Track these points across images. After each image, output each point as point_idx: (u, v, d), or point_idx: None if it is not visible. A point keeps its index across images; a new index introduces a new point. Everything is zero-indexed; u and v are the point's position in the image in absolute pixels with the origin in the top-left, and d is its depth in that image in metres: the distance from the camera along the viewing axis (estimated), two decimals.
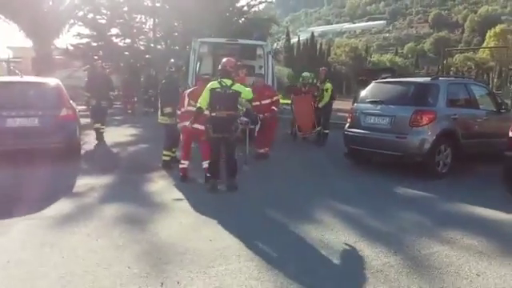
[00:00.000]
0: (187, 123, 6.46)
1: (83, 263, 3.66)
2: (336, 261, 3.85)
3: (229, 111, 5.96)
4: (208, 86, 6.00)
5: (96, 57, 11.07)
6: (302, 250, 4.10)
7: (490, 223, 4.93)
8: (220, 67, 6.21)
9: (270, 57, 10.03)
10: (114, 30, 24.24)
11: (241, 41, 10.70)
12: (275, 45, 35.92)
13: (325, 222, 4.89)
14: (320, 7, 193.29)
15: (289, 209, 5.38)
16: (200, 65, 11.39)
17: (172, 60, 8.67)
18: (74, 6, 21.44)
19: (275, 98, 8.71)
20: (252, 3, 23.85)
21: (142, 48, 25.14)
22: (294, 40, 51.91)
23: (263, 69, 10.67)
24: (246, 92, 6.24)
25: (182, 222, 4.79)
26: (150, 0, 24.41)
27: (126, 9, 23.90)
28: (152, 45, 24.96)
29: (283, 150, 9.61)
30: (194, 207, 5.32)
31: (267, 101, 8.52)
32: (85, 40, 23.42)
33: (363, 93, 8.23)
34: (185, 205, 5.47)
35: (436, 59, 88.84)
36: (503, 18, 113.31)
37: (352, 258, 3.90)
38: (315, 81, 11.01)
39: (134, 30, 24.63)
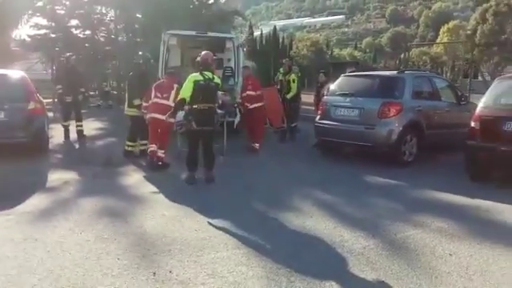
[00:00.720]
0: (156, 115, 6.76)
1: (71, 257, 3.64)
2: (319, 245, 4.03)
3: (210, 104, 6.01)
4: (190, 78, 5.96)
5: (69, 53, 10.36)
6: (285, 236, 4.25)
7: (456, 207, 5.28)
8: (200, 60, 6.17)
9: (241, 50, 10.09)
10: (74, 22, 23.43)
11: (210, 34, 10.69)
12: (239, 38, 35.88)
13: (303, 209, 5.06)
14: (281, 1, 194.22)
15: (267, 198, 5.54)
16: (168, 57, 11.29)
17: (140, 52, 8.64)
18: None
19: (258, 92, 8.81)
20: None
21: (102, 40, 24.46)
22: (257, 33, 51.90)
23: (232, 62, 10.72)
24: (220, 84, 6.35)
25: (164, 213, 4.83)
26: None
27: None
28: (113, 36, 24.34)
29: None
30: (173, 199, 5.35)
31: (252, 93, 8.65)
32: (43, 31, 22.51)
33: (333, 86, 8.49)
34: (163, 197, 5.48)
35: (392, 53, 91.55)
36: (455, 14, 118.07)
37: (333, 242, 4.08)
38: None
39: (95, 22, 23.91)
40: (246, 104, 8.73)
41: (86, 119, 13.32)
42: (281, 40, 51.30)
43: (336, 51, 69.55)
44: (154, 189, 5.86)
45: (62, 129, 9.63)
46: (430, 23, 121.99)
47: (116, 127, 11.33)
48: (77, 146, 9.35)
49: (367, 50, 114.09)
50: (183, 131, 6.85)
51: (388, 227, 4.49)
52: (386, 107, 7.33)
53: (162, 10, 19.92)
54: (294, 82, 10.61)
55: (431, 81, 8.37)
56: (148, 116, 7.03)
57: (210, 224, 4.49)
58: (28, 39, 22.19)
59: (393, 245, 4.03)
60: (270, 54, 39.32)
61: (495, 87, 6.42)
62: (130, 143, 7.76)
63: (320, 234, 4.28)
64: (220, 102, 7.14)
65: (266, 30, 56.87)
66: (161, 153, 6.99)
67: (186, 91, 5.93)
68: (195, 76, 5.99)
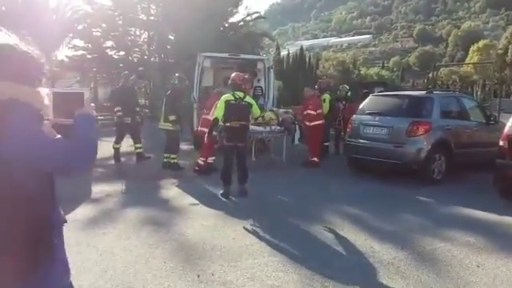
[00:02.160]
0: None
1: (121, 260, 3.99)
2: (350, 256, 4.26)
3: (242, 121, 6.40)
4: (222, 98, 6.43)
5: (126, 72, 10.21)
6: (317, 246, 4.49)
7: (484, 223, 5.39)
8: (230, 81, 6.67)
9: (272, 71, 10.49)
10: (109, 43, 24.55)
11: (242, 55, 11.16)
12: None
13: (335, 223, 5.29)
14: (307, 21, 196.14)
15: (300, 212, 5.79)
16: (201, 78, 11.80)
17: (177, 74, 9.18)
18: (75, 20, 21.79)
19: (319, 111, 9.29)
20: (247, 19, 24.41)
21: (136, 60, 25.47)
22: (284, 53, 52.63)
23: (261, 82, 11.12)
24: (256, 107, 6.70)
25: (203, 223, 5.15)
26: (144, 14, 24.80)
27: (120, 22, 24.27)
28: (146, 57, 25.33)
29: (290, 160, 10.02)
30: (211, 211, 5.69)
31: (312, 112, 9.19)
32: (80, 52, 23.70)
33: (362, 105, 8.73)
34: (202, 209, 5.82)
35: (420, 72, 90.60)
36: (485, 33, 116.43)
37: (364, 252, 4.29)
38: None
39: (129, 43, 24.97)
40: (306, 122, 9.28)
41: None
42: (307, 59, 51.89)
43: (363, 70, 69.38)
44: (193, 201, 6.21)
45: (112, 151, 9.34)
46: (459, 42, 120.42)
47: (148, 142, 11.82)
48: (122, 160, 9.61)
49: (394, 69, 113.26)
50: (218, 147, 7.29)
51: (417, 240, 4.66)
52: (414, 126, 7.51)
53: (194, 32, 20.72)
54: (324, 101, 10.90)
55: (459, 101, 8.51)
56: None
57: (247, 233, 4.79)
58: (66, 60, 23.40)
59: (422, 256, 4.22)
60: (297, 73, 39.80)
61: None
62: (166, 155, 8.46)
63: (351, 245, 4.50)
64: (280, 119, 8.46)
65: (293, 49, 57.61)
66: (201, 160, 8.07)
67: (219, 111, 6.40)
68: (227, 96, 6.45)
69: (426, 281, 3.63)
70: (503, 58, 66.32)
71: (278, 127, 8.72)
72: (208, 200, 6.21)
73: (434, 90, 8.83)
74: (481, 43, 73.86)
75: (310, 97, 9.48)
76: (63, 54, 24.55)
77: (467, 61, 72.81)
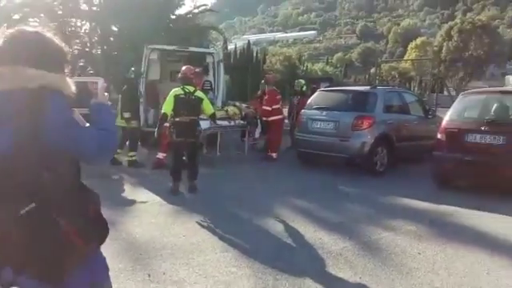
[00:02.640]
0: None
1: None
2: (301, 248, 4.35)
3: (191, 116, 6.27)
4: (171, 92, 6.28)
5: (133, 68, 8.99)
6: (269, 240, 4.54)
7: (424, 212, 5.70)
8: (181, 75, 6.48)
9: (221, 65, 10.42)
10: (48, 34, 23.28)
11: (191, 48, 10.98)
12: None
13: (285, 215, 5.38)
14: (254, 16, 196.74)
15: (250, 205, 5.83)
16: (148, 71, 11.49)
17: (132, 68, 8.93)
18: (10, 9, 20.39)
19: (274, 107, 9.40)
20: (194, 11, 24.05)
21: (76, 52, 24.36)
22: (231, 47, 52.52)
23: (211, 76, 11.01)
24: (207, 103, 6.47)
25: (152, 221, 5.05)
26: (86, 4, 23.73)
27: (60, 12, 23.07)
28: (87, 49, 24.29)
29: (252, 154, 10.05)
30: (161, 208, 5.59)
31: (267, 107, 9.35)
32: None
33: (309, 100, 8.92)
34: (151, 206, 5.70)
35: (363, 68, 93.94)
36: (422, 30, 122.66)
37: (314, 244, 4.41)
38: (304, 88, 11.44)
39: (69, 34, 23.80)
40: (264, 118, 9.49)
41: None
42: (255, 54, 52.15)
43: (308, 66, 70.84)
44: (142, 198, 6.05)
45: None
46: (398, 39, 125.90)
47: None
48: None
49: (338, 65, 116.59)
50: (167, 142, 7.15)
51: (363, 230, 4.86)
52: (359, 120, 7.79)
53: (138, 23, 20.12)
54: None
55: (401, 96, 8.93)
56: None
57: (198, 229, 4.75)
58: None
59: (368, 246, 4.40)
60: (245, 68, 39.86)
61: (459, 102, 6.97)
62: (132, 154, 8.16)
63: (301, 238, 4.61)
64: (243, 113, 8.78)
65: (240, 44, 57.64)
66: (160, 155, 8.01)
67: (168, 105, 6.23)
68: (176, 90, 6.28)
69: (373, 269, 3.79)
70: (438, 55, 70.17)
71: (242, 121, 9.14)
72: (158, 197, 6.09)
73: (377, 86, 9.18)
74: (418, 40, 77.75)
75: (267, 92, 9.60)
76: None
77: (406, 57, 76.42)
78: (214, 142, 9.04)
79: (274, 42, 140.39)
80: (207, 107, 6.50)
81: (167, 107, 6.20)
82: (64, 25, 23.44)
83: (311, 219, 5.24)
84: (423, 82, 59.77)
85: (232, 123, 9.06)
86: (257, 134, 10.15)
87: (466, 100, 6.98)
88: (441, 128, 6.82)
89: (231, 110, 9.31)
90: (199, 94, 6.44)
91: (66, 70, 1.65)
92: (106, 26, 24.08)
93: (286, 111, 14.25)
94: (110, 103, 1.82)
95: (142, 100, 9.99)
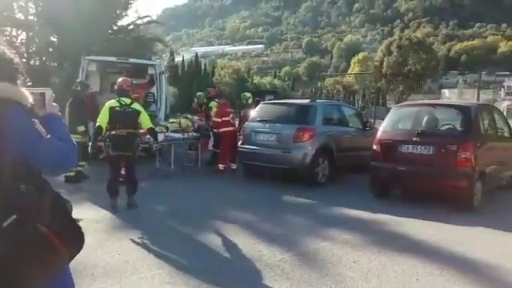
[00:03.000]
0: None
1: None
2: (239, 261, 4.31)
3: (128, 129, 6.05)
4: (106, 104, 6.08)
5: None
6: (207, 255, 4.46)
7: (360, 222, 5.87)
8: (116, 86, 6.31)
9: (163, 77, 10.26)
10: None
11: (132, 60, 10.75)
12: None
13: (225, 229, 5.32)
14: (201, 28, 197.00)
15: (191, 220, 5.74)
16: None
17: (78, 79, 8.70)
18: None
19: (224, 119, 9.43)
20: (138, 22, 23.65)
21: None
22: (178, 59, 52.19)
23: (154, 88, 10.82)
24: (145, 117, 6.26)
25: (86, 239, 4.80)
26: (22, 13, 22.67)
27: None
28: (24, 60, 23.14)
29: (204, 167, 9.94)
30: (95, 225, 5.35)
31: (217, 119, 9.46)
32: None
33: (253, 113, 8.99)
34: (86, 224, 5.39)
35: (309, 82, 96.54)
36: (364, 46, 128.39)
37: (252, 257, 4.38)
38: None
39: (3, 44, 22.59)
40: (215, 129, 9.55)
41: None
42: (203, 66, 52.19)
43: (257, 79, 71.80)
44: (78, 215, 5.69)
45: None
46: (342, 54, 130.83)
47: None
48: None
49: (286, 79, 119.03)
50: (104, 157, 6.89)
51: (301, 241, 4.91)
52: (300, 132, 7.94)
53: (78, 34, 19.49)
54: (211, 109, 11.01)
55: (340, 108, 9.23)
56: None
57: (134, 247, 4.59)
58: None
59: (305, 256, 4.44)
60: (192, 80, 39.62)
61: (392, 114, 7.30)
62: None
63: (239, 251, 4.57)
64: (196, 126, 8.94)
65: (188, 56, 57.42)
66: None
67: (103, 118, 6.04)
68: (111, 103, 6.09)
69: (308, 279, 3.82)
70: (379, 70, 73.50)
71: (195, 133, 9.26)
72: (93, 214, 5.82)
73: (316, 99, 9.42)
74: (360, 55, 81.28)
75: (218, 104, 9.79)
76: None
77: (349, 71, 79.48)
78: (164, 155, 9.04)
79: (222, 55, 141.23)
80: (145, 121, 6.26)
81: (102, 120, 6.00)
82: None
83: (251, 232, 5.23)
84: (366, 95, 62.37)
85: (186, 135, 9.09)
86: (210, 147, 10.11)
87: (399, 112, 7.33)
88: (376, 139, 7.08)
89: (184, 122, 9.34)
90: (136, 106, 6.22)
91: (18, 82, 1.67)
92: (45, 37, 23.13)
93: None
94: (60, 114, 1.83)
95: None
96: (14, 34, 23.24)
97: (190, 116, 10.14)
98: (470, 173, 6.16)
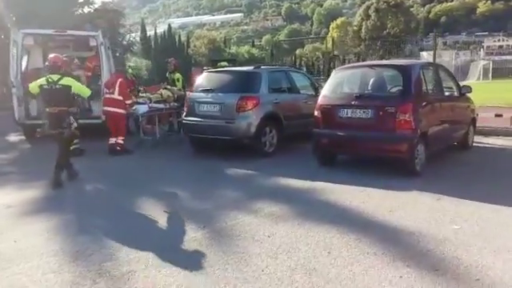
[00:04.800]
0: (108, 108, 8.25)
1: None
2: (144, 242, 3.91)
3: (60, 107, 5.93)
4: (37, 82, 6.01)
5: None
6: (110, 237, 4.09)
7: (295, 192, 5.60)
8: (47, 63, 6.22)
9: (103, 48, 9.67)
10: None
11: (70, 32, 10.10)
12: (128, 36, 34.69)
13: (146, 206, 5.02)
14: None
15: (116, 200, 5.43)
16: (28, 58, 10.51)
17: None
18: None
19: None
20: None
21: None
22: (152, 32, 50.77)
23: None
24: (78, 87, 6.24)
25: None
26: None
27: None
28: None
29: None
30: (7, 210, 5.00)
31: None
32: None
33: (196, 82, 8.55)
34: None
35: (290, 50, 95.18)
36: (344, 11, 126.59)
37: (163, 237, 4.12)
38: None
39: None
40: None
41: None
42: (178, 38, 50.72)
43: (234, 49, 70.33)
44: None
45: None
46: (322, 20, 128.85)
47: None
48: None
49: (267, 47, 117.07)
50: (41, 135, 6.65)
51: (222, 216, 4.60)
52: (243, 101, 7.54)
53: (33, 6, 18.55)
54: (178, 81, 10.58)
55: (288, 75, 8.80)
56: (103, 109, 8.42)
57: (37, 233, 4.24)
58: None
59: (219, 233, 4.15)
60: (166, 52, 38.60)
61: (332, 78, 6.93)
62: None
63: (152, 230, 4.29)
64: (176, 96, 9.63)
65: (162, 28, 55.81)
66: (120, 139, 8.20)
67: (33, 88, 6.10)
68: (40, 81, 6.01)
69: (210, 259, 3.53)
70: (358, 35, 72.67)
71: (176, 103, 9.53)
72: (10, 198, 5.46)
73: (261, 65, 8.99)
74: (339, 20, 79.98)
75: (192, 73, 10.03)
76: None
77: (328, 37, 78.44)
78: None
79: (201, 26, 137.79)
80: (81, 91, 6.34)
81: (32, 89, 6.10)
82: None
83: (177, 208, 4.95)
84: (346, 60, 61.71)
85: (168, 105, 9.43)
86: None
87: (339, 76, 6.96)
88: (317, 105, 6.75)
89: (165, 93, 9.63)
90: (64, 81, 6.01)
91: None
92: (2, 14, 22.06)
93: None
94: None
95: (14, 91, 9.12)
96: None
97: (169, 87, 10.20)
98: (409, 136, 5.88)
